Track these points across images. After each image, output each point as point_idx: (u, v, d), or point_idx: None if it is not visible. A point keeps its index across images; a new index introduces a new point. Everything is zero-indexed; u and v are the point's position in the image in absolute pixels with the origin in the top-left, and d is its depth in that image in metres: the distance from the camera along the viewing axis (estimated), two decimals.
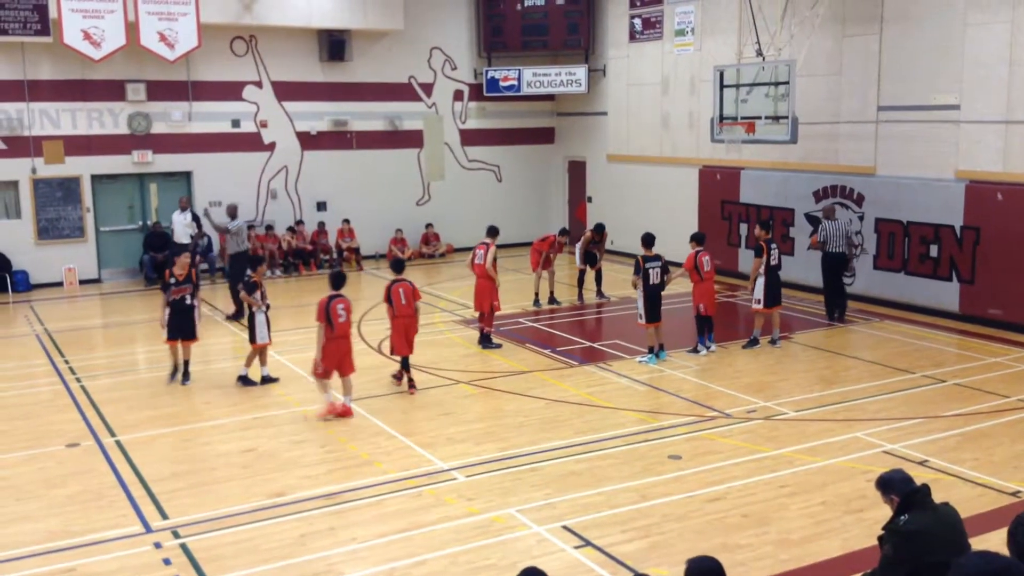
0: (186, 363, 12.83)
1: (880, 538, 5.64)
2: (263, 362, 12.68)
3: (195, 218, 19.51)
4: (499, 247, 14.66)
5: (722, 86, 17.35)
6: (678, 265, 14.53)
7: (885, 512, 5.71)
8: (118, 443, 10.44)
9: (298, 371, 13.11)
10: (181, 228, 19.34)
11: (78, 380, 13.06)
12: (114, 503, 8.80)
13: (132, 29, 19.31)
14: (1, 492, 9.14)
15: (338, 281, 11.51)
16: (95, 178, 20.37)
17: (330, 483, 9.18)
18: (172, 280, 12.56)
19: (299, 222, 22.31)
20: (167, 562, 7.59)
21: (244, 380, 12.59)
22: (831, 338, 14.88)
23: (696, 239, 14.08)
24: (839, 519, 8.17)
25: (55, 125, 19.89)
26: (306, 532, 8.12)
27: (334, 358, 11.20)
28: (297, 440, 10.52)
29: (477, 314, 14.78)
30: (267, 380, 12.62)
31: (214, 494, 8.96)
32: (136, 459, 9.91)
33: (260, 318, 12.49)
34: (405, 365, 12.29)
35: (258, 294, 12.53)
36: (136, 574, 7.43)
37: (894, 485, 5.63)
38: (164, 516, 8.48)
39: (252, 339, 12.57)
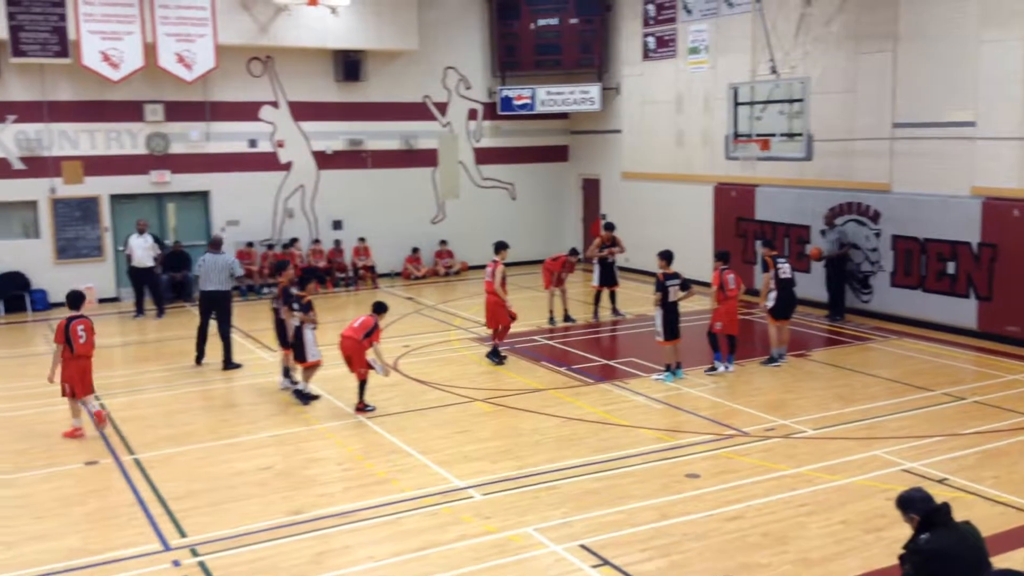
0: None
1: (901, 557, 5.60)
2: (307, 378, 12.73)
3: (156, 240, 19.36)
4: (514, 264, 14.69)
5: (736, 103, 17.38)
6: (696, 282, 14.48)
7: (905, 531, 5.68)
8: (136, 461, 10.48)
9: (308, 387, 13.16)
10: (142, 252, 18.86)
11: (97, 398, 13.10)
12: (132, 521, 8.83)
13: (150, 50, 19.53)
14: (20, 510, 9.19)
15: (76, 301, 11.63)
16: (114, 198, 20.53)
17: (347, 501, 9.19)
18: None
19: (316, 240, 22.43)
20: None
21: (303, 396, 12.58)
22: (849, 356, 14.81)
23: (721, 257, 14.04)
24: (859, 538, 8.11)
25: (74, 145, 20.09)
26: (323, 550, 8.12)
27: (75, 378, 11.27)
28: (314, 458, 10.55)
29: (490, 331, 14.83)
30: (306, 396, 12.64)
31: (232, 512, 8.98)
32: (154, 477, 9.95)
33: (310, 336, 12.52)
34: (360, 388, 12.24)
35: (312, 313, 12.59)
36: None
37: (914, 504, 5.60)
38: (182, 534, 8.50)
39: (302, 357, 12.56)
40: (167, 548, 8.22)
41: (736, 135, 17.48)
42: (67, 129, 20.00)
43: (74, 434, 11.33)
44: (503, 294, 14.41)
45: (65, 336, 11.21)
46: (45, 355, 15.85)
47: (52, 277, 19.93)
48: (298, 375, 13.06)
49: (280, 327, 12.97)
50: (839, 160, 17.66)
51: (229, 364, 14.58)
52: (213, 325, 14.73)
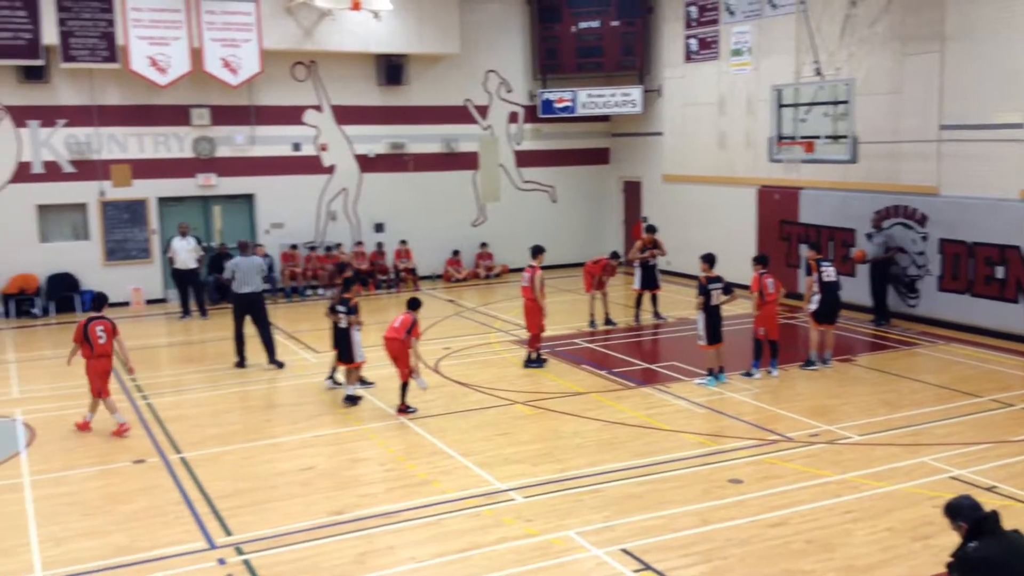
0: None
1: (949, 565, 5.52)
2: (352, 380, 12.85)
3: (199, 242, 19.59)
4: (554, 267, 14.68)
5: (780, 105, 17.23)
6: (738, 286, 14.36)
7: (953, 539, 5.60)
8: (183, 460, 10.65)
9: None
10: (185, 254, 19.07)
11: (144, 398, 13.35)
12: (179, 519, 8.97)
13: (197, 55, 19.83)
14: (69, 507, 9.37)
15: (98, 302, 11.99)
16: (161, 200, 20.88)
17: (389, 502, 9.25)
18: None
19: (358, 243, 22.61)
20: None
21: (353, 399, 12.69)
22: (895, 361, 14.61)
23: (760, 261, 13.93)
24: (906, 546, 8.01)
25: (123, 149, 20.46)
26: (365, 551, 8.19)
27: (96, 377, 11.53)
28: (356, 458, 10.64)
29: (529, 335, 14.81)
30: (355, 399, 12.75)
31: (276, 511, 9.08)
32: (200, 476, 10.10)
33: (357, 337, 12.65)
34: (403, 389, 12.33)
35: (359, 315, 12.78)
36: None
37: (962, 511, 5.52)
38: (228, 532, 8.62)
39: (348, 358, 12.66)
40: (212, 546, 8.33)
41: (780, 137, 17.34)
42: (116, 133, 20.36)
43: (121, 431, 11.53)
44: (542, 300, 14.37)
45: (84, 336, 11.50)
46: None
47: (101, 278, 20.26)
48: (340, 376, 13.19)
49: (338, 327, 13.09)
50: (885, 163, 17.43)
51: (273, 361, 14.82)
52: (249, 328, 14.94)
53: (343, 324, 12.56)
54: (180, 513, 9.10)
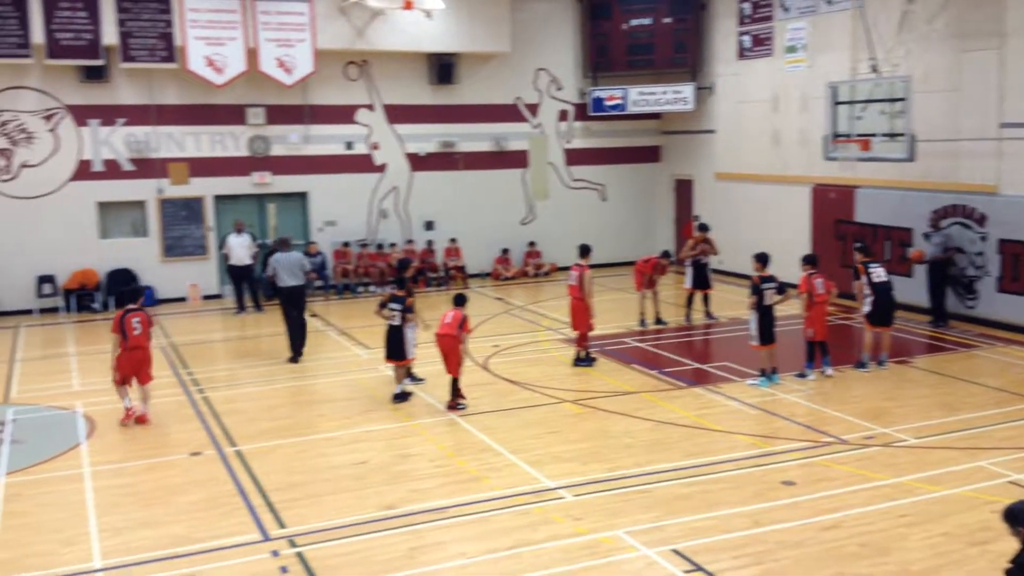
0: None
1: (1008, 572, 5.44)
2: (400, 378, 12.94)
3: (254, 239, 19.92)
4: (604, 266, 14.62)
5: (835, 103, 16.99)
6: (791, 286, 14.20)
7: (1012, 545, 5.52)
8: (238, 453, 10.83)
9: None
10: (241, 250, 19.47)
11: (200, 391, 13.60)
12: (235, 511, 9.13)
13: (252, 55, 20.12)
14: (127, 498, 9.60)
15: (134, 295, 12.35)
16: (217, 198, 21.22)
17: (439, 497, 9.32)
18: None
19: (409, 241, 22.77)
20: (284, 570, 7.83)
21: (402, 396, 12.78)
22: (952, 363, 14.33)
23: (809, 261, 13.76)
24: (962, 551, 7.87)
25: (180, 148, 20.84)
26: (416, 545, 8.26)
27: (128, 367, 11.84)
28: (407, 454, 10.73)
29: (576, 334, 14.77)
30: (404, 395, 12.83)
31: (328, 505, 9.20)
32: (255, 468, 10.26)
33: (411, 335, 12.77)
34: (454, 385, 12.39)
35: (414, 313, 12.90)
36: None
37: (1022, 517, 5.43)
38: (281, 525, 8.75)
39: (399, 355, 12.76)
40: (267, 538, 8.47)
41: (835, 135, 17.11)
42: (173, 132, 20.76)
43: (143, 420, 11.93)
44: (590, 299, 14.32)
45: (120, 327, 11.81)
46: (152, 349, 16.46)
47: (159, 274, 20.71)
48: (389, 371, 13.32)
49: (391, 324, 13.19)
50: (943, 161, 17.10)
51: (299, 353, 15.23)
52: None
53: (396, 321, 12.67)
54: (235, 505, 9.26)
